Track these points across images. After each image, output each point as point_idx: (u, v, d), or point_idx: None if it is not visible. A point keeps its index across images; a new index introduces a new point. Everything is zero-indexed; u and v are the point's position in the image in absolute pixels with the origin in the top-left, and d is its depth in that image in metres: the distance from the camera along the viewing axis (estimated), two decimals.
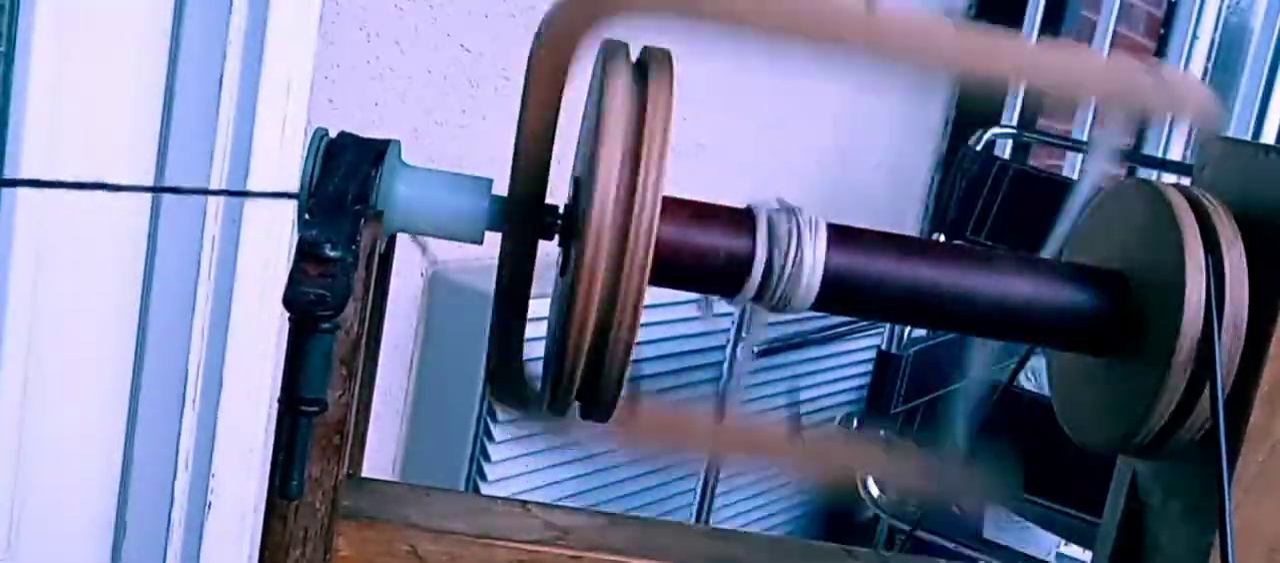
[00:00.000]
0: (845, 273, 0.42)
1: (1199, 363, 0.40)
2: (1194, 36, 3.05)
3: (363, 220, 0.38)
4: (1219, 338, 0.40)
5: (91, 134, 1.08)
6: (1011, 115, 2.43)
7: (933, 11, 2.28)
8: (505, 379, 0.44)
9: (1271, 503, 0.41)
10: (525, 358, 0.45)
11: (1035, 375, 2.05)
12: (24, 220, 1.05)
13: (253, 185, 1.14)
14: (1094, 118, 2.74)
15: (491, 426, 1.43)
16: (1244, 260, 0.41)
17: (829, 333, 2.01)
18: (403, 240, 0.44)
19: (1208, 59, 3.18)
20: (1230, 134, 0.46)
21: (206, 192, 0.41)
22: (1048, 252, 0.44)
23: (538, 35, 0.42)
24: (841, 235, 0.42)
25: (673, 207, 0.41)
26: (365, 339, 0.39)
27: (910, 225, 2.35)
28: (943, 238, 2.05)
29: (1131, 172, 2.81)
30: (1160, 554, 0.45)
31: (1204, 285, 0.40)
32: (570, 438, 0.45)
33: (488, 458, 1.44)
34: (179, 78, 1.15)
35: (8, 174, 0.93)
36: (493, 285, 0.44)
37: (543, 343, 0.45)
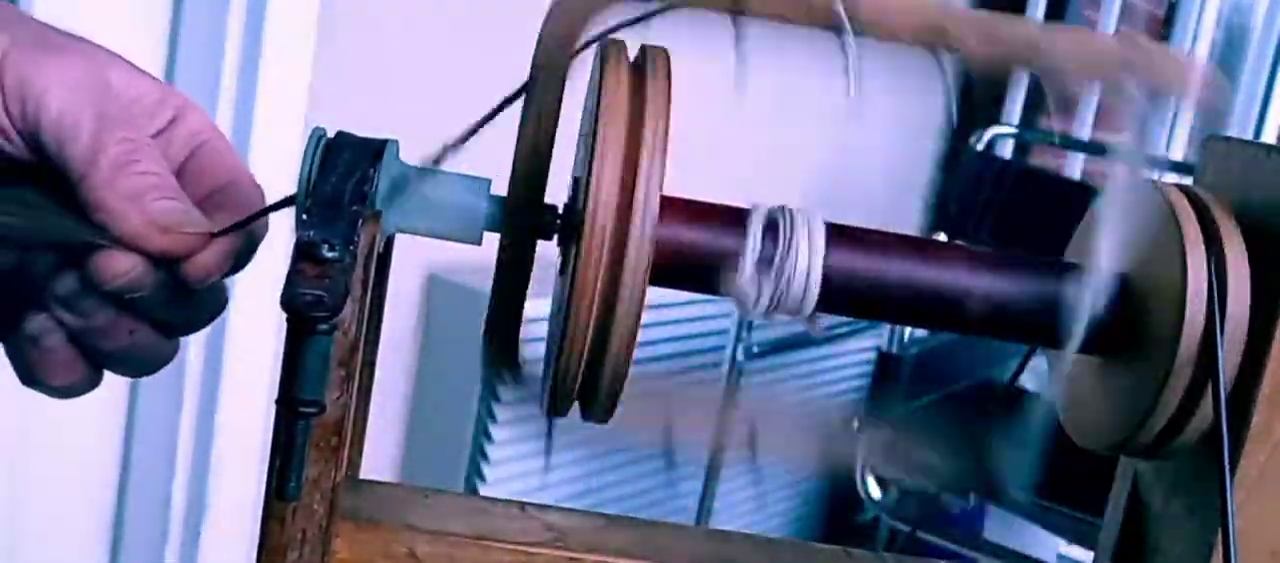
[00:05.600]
0: (846, 273, 0.42)
1: (1200, 364, 0.40)
2: (1195, 36, 3.05)
3: (361, 221, 0.38)
4: (1221, 338, 0.40)
5: None
6: (1013, 115, 2.43)
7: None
8: (505, 365, 0.44)
9: (1274, 504, 0.41)
10: (524, 358, 0.45)
11: (1037, 375, 2.05)
12: None
13: None
14: (1096, 117, 2.74)
15: (490, 426, 1.43)
16: (1246, 261, 0.41)
17: (829, 333, 2.01)
18: (402, 240, 0.44)
19: (1208, 58, 3.18)
20: (1231, 134, 0.45)
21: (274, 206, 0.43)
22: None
23: (540, 36, 0.42)
24: (841, 235, 0.42)
25: (672, 206, 0.41)
26: (364, 340, 0.39)
27: (911, 225, 2.35)
28: (944, 238, 2.05)
29: None
30: (1161, 556, 0.45)
31: (1205, 285, 0.40)
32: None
33: (486, 459, 1.44)
34: (177, 77, 1.15)
35: None
36: (491, 286, 0.43)
37: (543, 344, 0.44)
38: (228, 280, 0.44)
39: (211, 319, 0.45)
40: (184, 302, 0.42)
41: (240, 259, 0.43)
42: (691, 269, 0.41)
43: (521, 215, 0.42)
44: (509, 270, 0.43)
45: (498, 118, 0.42)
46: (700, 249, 0.41)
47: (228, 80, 1.14)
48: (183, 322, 0.44)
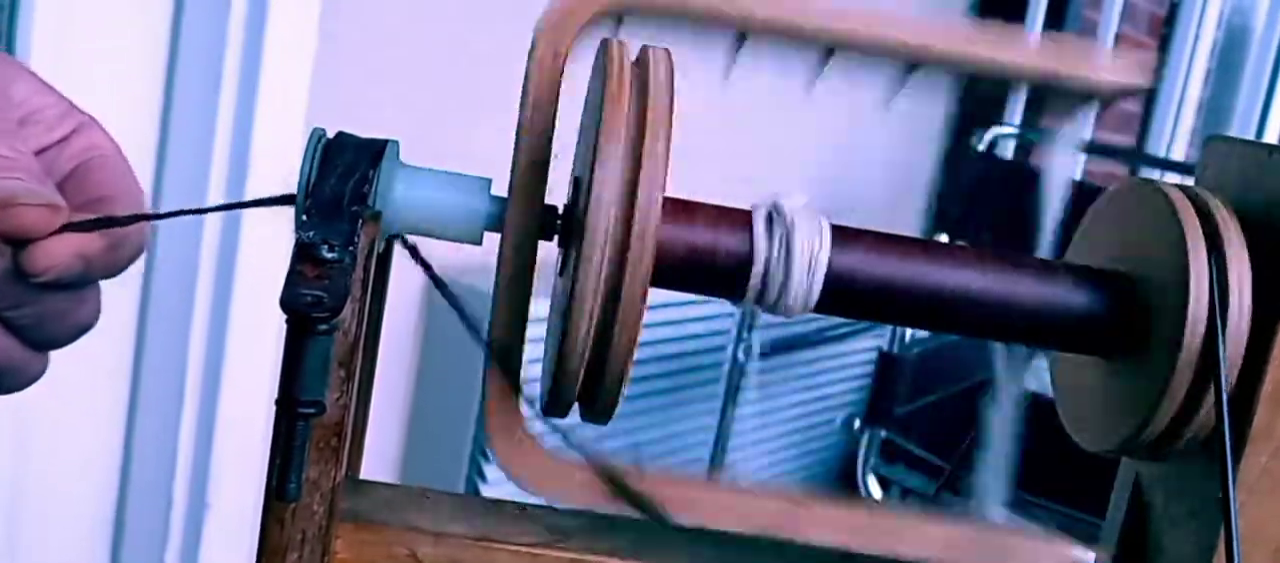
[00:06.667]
0: (847, 274, 0.42)
1: (1202, 364, 0.40)
2: (1196, 36, 3.04)
3: (361, 221, 0.38)
4: (1222, 339, 0.40)
5: None
6: (1014, 115, 2.43)
7: (934, 11, 2.28)
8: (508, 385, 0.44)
9: (1276, 505, 0.41)
10: (525, 362, 0.45)
11: (1039, 376, 2.05)
12: None
13: (252, 186, 1.14)
14: (1098, 117, 2.74)
15: None
16: (1247, 261, 0.40)
17: (830, 334, 2.01)
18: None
19: (1210, 58, 3.18)
20: (1232, 134, 0.45)
21: (200, 210, 0.42)
22: (1041, 248, 0.43)
23: (536, 33, 0.42)
24: (843, 236, 0.42)
25: (673, 207, 0.41)
26: (364, 340, 0.39)
27: (912, 226, 2.34)
28: (945, 238, 2.05)
29: (1134, 171, 2.81)
30: (1164, 556, 0.45)
31: (1207, 286, 0.40)
32: None
33: (488, 458, 1.43)
34: (178, 77, 1.15)
35: None
36: (492, 286, 0.43)
37: (542, 344, 0.44)
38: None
39: (74, 335, 0.43)
40: (35, 302, 0.40)
41: (98, 263, 0.41)
42: (693, 270, 0.41)
43: (522, 216, 0.42)
44: (513, 281, 0.43)
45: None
46: (702, 250, 0.41)
47: (228, 80, 1.14)
48: (35, 325, 0.41)
